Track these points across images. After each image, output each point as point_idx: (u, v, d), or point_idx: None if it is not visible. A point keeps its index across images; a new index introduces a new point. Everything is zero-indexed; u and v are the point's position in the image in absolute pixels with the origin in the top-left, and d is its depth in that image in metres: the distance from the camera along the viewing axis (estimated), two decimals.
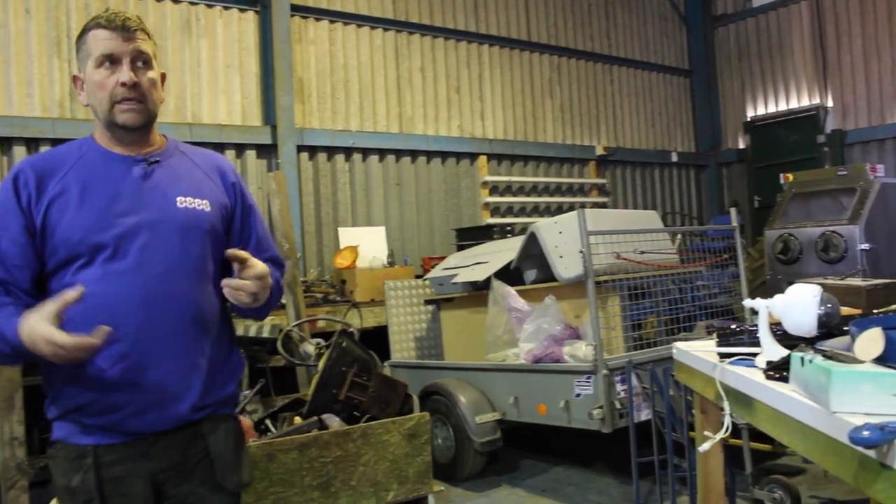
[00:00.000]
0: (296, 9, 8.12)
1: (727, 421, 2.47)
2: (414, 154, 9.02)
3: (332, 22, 8.50)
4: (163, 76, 2.11)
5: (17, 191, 1.96)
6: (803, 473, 4.96)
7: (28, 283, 1.95)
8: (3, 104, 6.56)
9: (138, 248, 1.97)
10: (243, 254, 1.97)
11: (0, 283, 1.92)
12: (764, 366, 2.26)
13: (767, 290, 7.90)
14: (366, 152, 8.64)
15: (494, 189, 9.75)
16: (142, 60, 2.01)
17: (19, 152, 6.58)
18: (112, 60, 1.97)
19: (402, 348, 6.53)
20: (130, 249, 1.96)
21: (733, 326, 2.63)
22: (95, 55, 1.98)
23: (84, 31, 2.02)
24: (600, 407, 4.52)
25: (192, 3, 7.61)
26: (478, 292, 5.75)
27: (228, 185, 2.22)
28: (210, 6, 7.73)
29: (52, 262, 1.95)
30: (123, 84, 1.97)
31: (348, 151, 8.50)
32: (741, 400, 2.34)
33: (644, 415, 4.64)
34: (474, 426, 5.16)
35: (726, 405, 2.45)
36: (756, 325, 2.48)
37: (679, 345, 3.09)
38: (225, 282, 1.96)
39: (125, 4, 7.15)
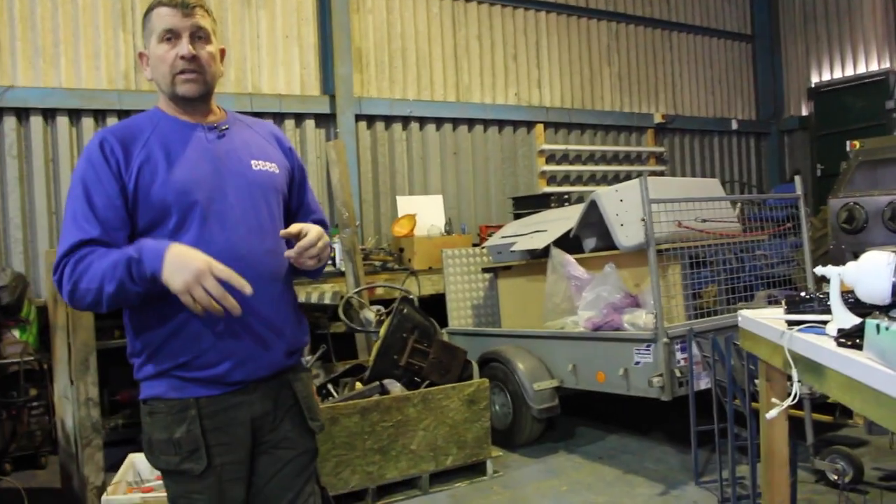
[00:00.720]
0: None
1: (795, 388, 2.46)
2: (471, 123, 9.00)
3: None
4: (222, 51, 2.24)
5: (106, 157, 2.05)
6: (866, 445, 4.90)
7: (125, 244, 2.03)
8: (72, 77, 6.74)
9: (228, 206, 2.11)
10: (294, 229, 2.12)
11: (103, 244, 2.01)
12: (835, 333, 2.23)
13: (831, 260, 7.71)
14: (423, 121, 8.65)
15: (551, 157, 9.69)
16: (200, 35, 2.13)
17: (88, 124, 6.77)
18: (173, 35, 2.10)
19: (459, 315, 6.59)
20: (222, 209, 2.10)
21: (803, 294, 2.59)
22: (158, 31, 2.11)
23: (148, 10, 2.16)
24: (660, 375, 4.52)
25: None
26: (536, 260, 5.76)
27: (286, 150, 2.38)
28: None
29: (143, 222, 2.05)
30: (183, 57, 2.09)
31: (406, 120, 8.52)
32: (810, 368, 2.33)
33: (703, 384, 4.63)
34: (532, 393, 5.20)
35: (794, 373, 2.43)
36: (826, 294, 2.45)
37: (744, 312, 3.06)
38: (287, 253, 2.11)
39: None
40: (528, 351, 5.43)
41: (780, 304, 5.34)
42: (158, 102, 2.23)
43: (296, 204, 2.40)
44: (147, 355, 2.09)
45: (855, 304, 2.36)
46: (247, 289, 1.91)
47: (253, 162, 2.22)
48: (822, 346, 2.22)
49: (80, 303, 1.98)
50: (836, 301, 2.37)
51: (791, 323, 2.55)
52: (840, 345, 2.15)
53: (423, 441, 4.63)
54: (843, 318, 2.33)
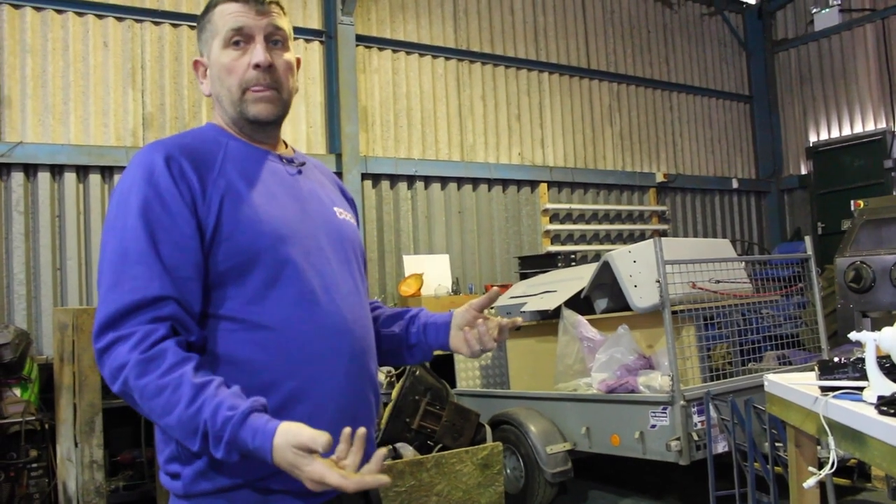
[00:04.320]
0: (360, 38, 8.24)
1: (833, 456, 2.40)
2: (475, 182, 9.04)
3: (395, 51, 8.61)
4: (298, 61, 1.77)
5: (175, 179, 1.52)
6: None
7: (199, 302, 1.52)
8: (81, 134, 6.77)
9: (324, 260, 1.64)
10: (486, 298, 1.79)
11: (168, 304, 1.46)
12: (874, 400, 2.19)
13: (838, 319, 7.71)
14: (428, 180, 8.69)
15: (555, 216, 9.71)
16: (277, 39, 1.69)
17: (95, 180, 6.77)
18: (243, 38, 1.65)
19: (467, 377, 6.50)
20: (319, 263, 1.63)
21: (836, 359, 2.55)
22: (223, 32, 1.65)
23: (209, 8, 1.70)
24: (677, 438, 4.44)
25: None
26: (546, 321, 5.71)
27: (350, 200, 1.95)
28: None
29: (221, 268, 1.54)
30: (257, 65, 1.63)
31: (411, 179, 8.56)
32: (850, 436, 2.27)
33: (721, 447, 4.55)
34: (545, 456, 5.10)
35: (831, 440, 2.38)
36: (859, 359, 2.42)
37: (771, 377, 3.02)
38: (474, 340, 1.76)
39: (196, 37, 7.33)
40: (539, 413, 5.34)
41: (791, 364, 5.33)
42: (214, 119, 1.75)
43: None
44: (210, 457, 1.45)
45: (890, 369, 2.33)
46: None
47: (336, 209, 1.77)
48: (863, 414, 2.17)
49: (134, 405, 1.46)
50: (872, 367, 2.33)
51: (824, 389, 2.50)
52: (882, 413, 2.10)
53: None
54: (881, 385, 2.28)
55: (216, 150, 1.63)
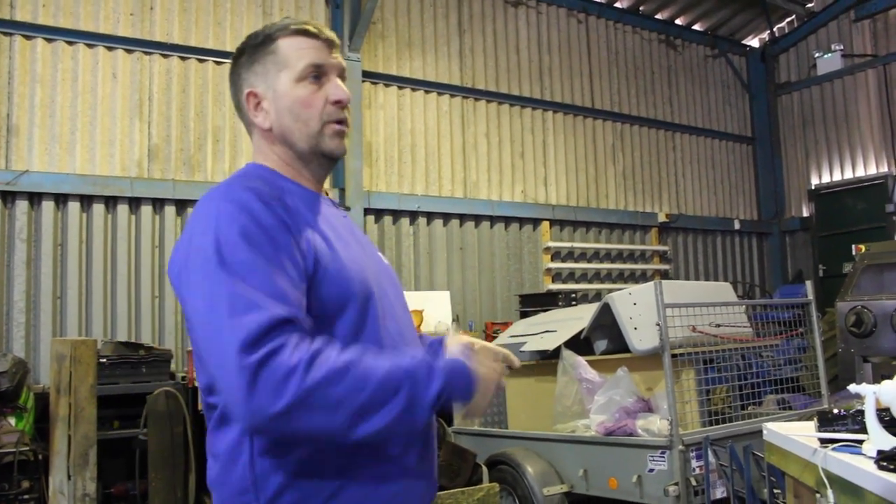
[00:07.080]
0: (366, 74, 8.32)
1: None
2: (477, 219, 9.07)
3: (400, 88, 8.68)
4: None
5: (277, 214, 1.46)
6: None
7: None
8: (86, 164, 6.81)
9: (389, 303, 1.62)
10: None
11: (301, 324, 1.40)
12: (873, 455, 2.18)
13: (839, 363, 7.67)
14: (430, 216, 8.72)
15: (556, 254, 9.73)
16: (344, 78, 1.70)
17: (98, 210, 6.80)
18: (320, 74, 1.63)
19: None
20: (389, 306, 1.61)
21: (836, 411, 2.54)
22: (298, 66, 1.61)
23: (269, 40, 1.64)
24: (675, 483, 4.39)
25: None
26: (545, 361, 5.68)
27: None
28: None
29: (313, 314, 1.47)
30: (338, 102, 1.62)
31: (413, 215, 8.58)
32: (849, 489, 2.26)
33: (719, 493, 4.50)
34: (542, 498, 5.04)
35: (830, 494, 2.36)
36: (859, 411, 2.40)
37: (771, 426, 3.00)
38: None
39: (204, 70, 7.41)
40: (537, 454, 5.30)
41: (791, 408, 5.29)
42: (265, 161, 1.66)
43: None
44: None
45: (890, 422, 2.31)
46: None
47: (380, 254, 1.75)
48: (862, 469, 2.16)
49: (306, 418, 1.32)
50: (872, 421, 2.31)
51: (824, 441, 2.49)
52: (882, 468, 2.09)
53: None
54: (880, 438, 2.27)
55: (287, 195, 1.56)
